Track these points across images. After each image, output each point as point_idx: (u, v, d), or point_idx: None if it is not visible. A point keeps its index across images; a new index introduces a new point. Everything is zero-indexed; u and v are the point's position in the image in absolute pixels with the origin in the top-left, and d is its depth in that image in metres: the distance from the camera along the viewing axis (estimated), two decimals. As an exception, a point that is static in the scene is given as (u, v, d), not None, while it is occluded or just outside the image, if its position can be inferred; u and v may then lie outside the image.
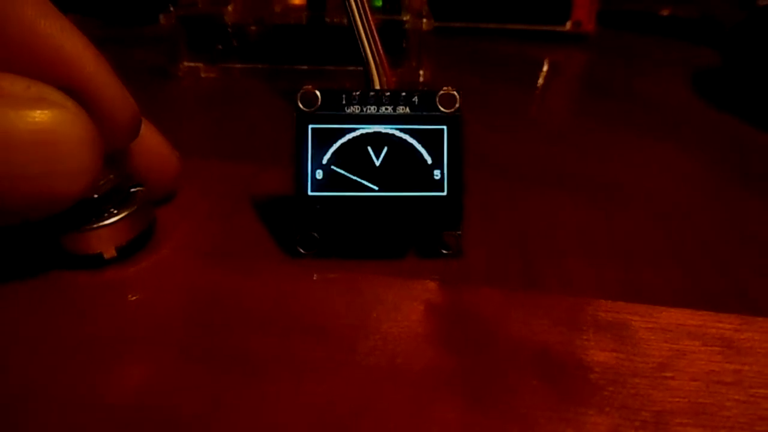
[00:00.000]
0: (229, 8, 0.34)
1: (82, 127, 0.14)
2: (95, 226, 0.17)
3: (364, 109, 0.18)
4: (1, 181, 0.14)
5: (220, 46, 0.35)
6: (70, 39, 0.15)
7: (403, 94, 0.18)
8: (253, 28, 0.34)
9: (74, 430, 0.12)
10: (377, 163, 0.18)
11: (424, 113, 0.18)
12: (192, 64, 0.35)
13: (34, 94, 0.14)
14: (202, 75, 0.35)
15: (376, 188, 0.18)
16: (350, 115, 0.18)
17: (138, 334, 0.15)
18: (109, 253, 0.17)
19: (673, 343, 0.15)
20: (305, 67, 0.35)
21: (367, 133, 0.18)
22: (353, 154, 0.18)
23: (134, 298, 0.17)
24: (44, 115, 0.14)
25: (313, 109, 0.18)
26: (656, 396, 0.14)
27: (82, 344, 0.15)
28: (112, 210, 0.17)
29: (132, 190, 0.18)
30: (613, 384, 0.14)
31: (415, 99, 0.18)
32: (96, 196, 0.17)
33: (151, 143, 0.19)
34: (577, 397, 0.13)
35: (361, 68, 0.21)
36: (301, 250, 0.18)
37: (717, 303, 0.17)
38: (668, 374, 0.14)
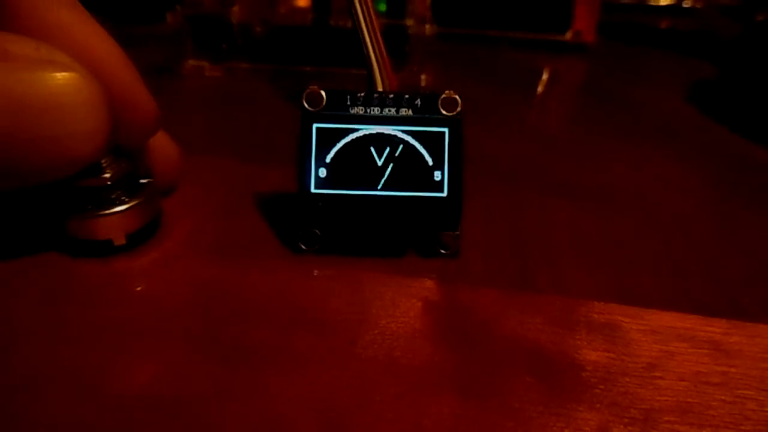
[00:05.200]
0: (235, 8, 0.35)
1: (93, 89, 0.15)
2: (106, 212, 0.17)
3: (368, 110, 0.18)
4: (17, 144, 0.14)
5: (225, 46, 0.35)
6: (100, 42, 0.16)
7: (406, 96, 0.18)
8: (258, 28, 0.35)
9: (79, 418, 0.13)
10: (379, 163, 0.18)
11: (427, 116, 0.18)
12: (197, 63, 0.35)
13: (44, 55, 0.14)
14: (207, 74, 0.36)
15: (377, 187, 0.18)
16: (354, 115, 0.18)
17: (143, 324, 0.15)
18: (119, 240, 0.17)
19: (662, 345, 0.16)
20: (308, 69, 0.35)
21: (370, 134, 0.18)
22: (356, 154, 0.18)
23: (140, 289, 0.17)
24: (57, 78, 0.14)
25: (318, 108, 0.18)
26: (645, 394, 0.14)
27: (89, 333, 0.15)
28: (123, 198, 0.17)
29: (142, 181, 0.18)
30: (604, 382, 0.14)
31: (418, 102, 0.18)
32: (109, 183, 0.17)
33: (155, 137, 0.19)
34: (569, 393, 0.14)
35: (364, 71, 0.22)
36: (303, 247, 0.18)
37: (707, 308, 0.17)
38: (657, 374, 0.15)
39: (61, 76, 0.14)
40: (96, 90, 0.15)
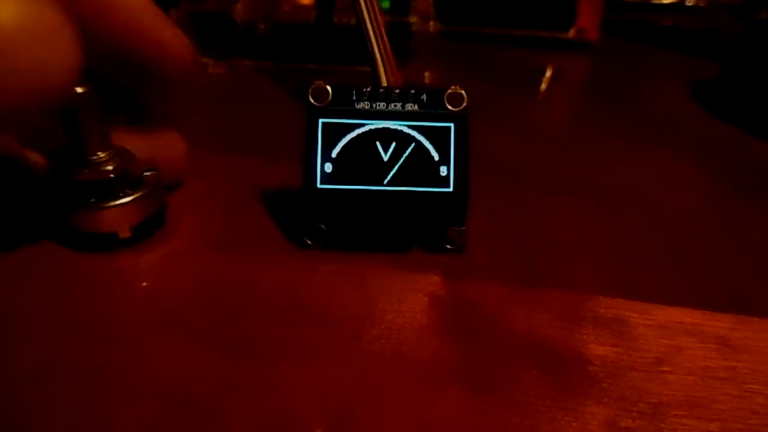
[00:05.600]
0: (238, 6, 0.35)
1: (58, 16, 0.14)
2: (110, 204, 0.17)
3: (374, 105, 0.18)
4: None
5: (228, 43, 0.35)
6: None
7: (412, 91, 0.18)
8: (261, 26, 0.35)
9: (82, 412, 0.13)
10: (385, 158, 0.18)
11: (432, 111, 0.18)
12: (201, 60, 0.35)
13: None
14: (210, 71, 0.36)
15: (383, 183, 0.18)
16: (360, 110, 0.18)
17: (149, 320, 0.15)
18: (124, 232, 0.17)
19: (670, 340, 0.16)
20: (312, 66, 0.35)
21: (376, 129, 0.18)
22: (362, 149, 0.18)
23: (145, 285, 0.17)
24: (21, 6, 0.13)
25: (324, 103, 0.18)
26: (653, 389, 0.14)
27: (95, 328, 0.15)
28: (126, 190, 0.17)
29: (145, 173, 0.18)
30: (611, 377, 0.14)
31: (424, 97, 0.18)
32: (112, 176, 0.17)
33: (161, 131, 0.20)
34: (576, 388, 0.14)
35: (367, 69, 0.22)
36: (309, 242, 0.18)
37: (713, 303, 0.17)
38: (665, 369, 0.15)
39: (27, 4, 0.14)
40: (62, 16, 0.14)
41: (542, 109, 0.37)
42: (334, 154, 0.18)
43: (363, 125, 0.18)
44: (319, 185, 0.18)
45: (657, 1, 0.59)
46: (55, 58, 0.14)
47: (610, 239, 0.21)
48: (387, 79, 0.21)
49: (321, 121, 0.18)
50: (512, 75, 0.42)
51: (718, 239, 0.21)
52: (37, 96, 0.14)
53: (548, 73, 0.43)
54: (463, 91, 0.18)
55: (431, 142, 0.18)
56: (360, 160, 0.18)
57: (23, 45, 0.14)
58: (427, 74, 0.35)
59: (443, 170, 0.18)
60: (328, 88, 0.18)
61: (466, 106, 0.18)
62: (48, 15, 0.14)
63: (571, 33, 0.47)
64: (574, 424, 0.13)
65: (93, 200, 0.17)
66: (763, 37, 0.36)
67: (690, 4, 0.59)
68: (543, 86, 0.41)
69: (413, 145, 0.18)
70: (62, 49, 0.14)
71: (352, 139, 0.18)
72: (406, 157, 0.18)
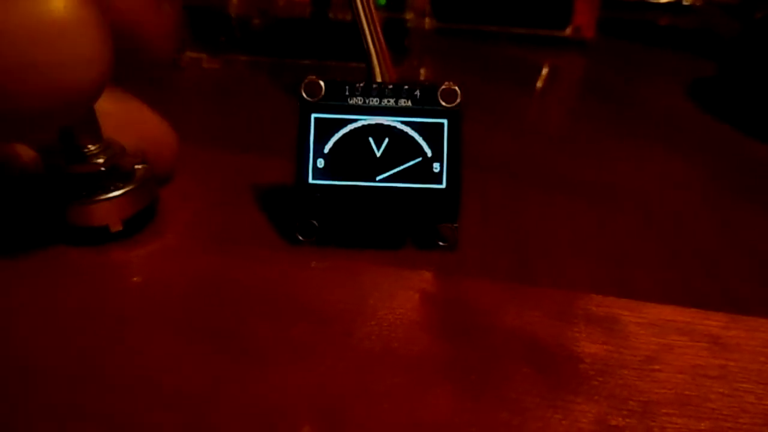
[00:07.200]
0: (234, 0, 0.35)
1: (91, 14, 0.14)
2: (102, 197, 0.17)
3: (367, 101, 0.18)
4: (14, 73, 0.13)
5: (223, 38, 0.35)
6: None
7: (406, 87, 0.18)
8: (256, 20, 0.35)
9: (75, 407, 0.13)
10: (378, 154, 0.18)
11: (426, 107, 0.18)
12: (195, 55, 0.35)
13: None
14: (205, 66, 0.35)
15: (375, 179, 0.18)
16: (353, 106, 0.18)
17: (140, 315, 0.15)
18: (116, 226, 0.17)
19: (661, 338, 0.16)
20: (307, 62, 0.35)
21: (369, 125, 0.18)
22: (355, 145, 0.18)
23: (137, 280, 0.17)
24: (54, 3, 0.13)
25: (316, 98, 0.18)
26: (643, 387, 0.14)
27: (85, 323, 0.15)
28: (118, 184, 0.17)
29: (136, 167, 0.18)
30: (602, 374, 0.14)
31: (417, 93, 0.18)
32: (103, 169, 0.17)
33: (150, 124, 0.19)
34: (567, 385, 0.14)
35: (363, 65, 0.21)
36: (301, 238, 0.18)
37: (706, 302, 0.17)
38: (656, 367, 0.15)
39: (59, 0, 0.13)
40: (95, 15, 0.14)
41: (538, 107, 0.37)
42: (326, 150, 0.18)
43: (356, 121, 0.18)
44: (311, 181, 0.18)
45: (653, 1, 0.59)
46: (90, 54, 0.14)
47: (604, 237, 0.21)
48: (382, 76, 0.21)
49: (313, 116, 0.18)
50: (508, 73, 0.42)
51: (713, 238, 0.21)
52: (66, 94, 0.14)
53: (544, 71, 0.43)
54: (456, 87, 0.18)
55: (424, 138, 0.18)
56: (352, 155, 0.18)
57: (66, 38, 0.14)
58: (422, 71, 0.35)
59: (436, 166, 0.18)
60: (321, 83, 0.18)
61: (459, 103, 0.18)
62: (92, 11, 0.14)
63: (568, 31, 0.46)
64: (564, 422, 0.13)
65: (84, 193, 0.17)
66: (759, 37, 0.36)
67: (687, 3, 0.59)
68: (539, 84, 0.41)
69: (406, 140, 0.18)
70: (99, 46, 0.14)
71: (344, 135, 0.18)
72: (399, 153, 0.18)
